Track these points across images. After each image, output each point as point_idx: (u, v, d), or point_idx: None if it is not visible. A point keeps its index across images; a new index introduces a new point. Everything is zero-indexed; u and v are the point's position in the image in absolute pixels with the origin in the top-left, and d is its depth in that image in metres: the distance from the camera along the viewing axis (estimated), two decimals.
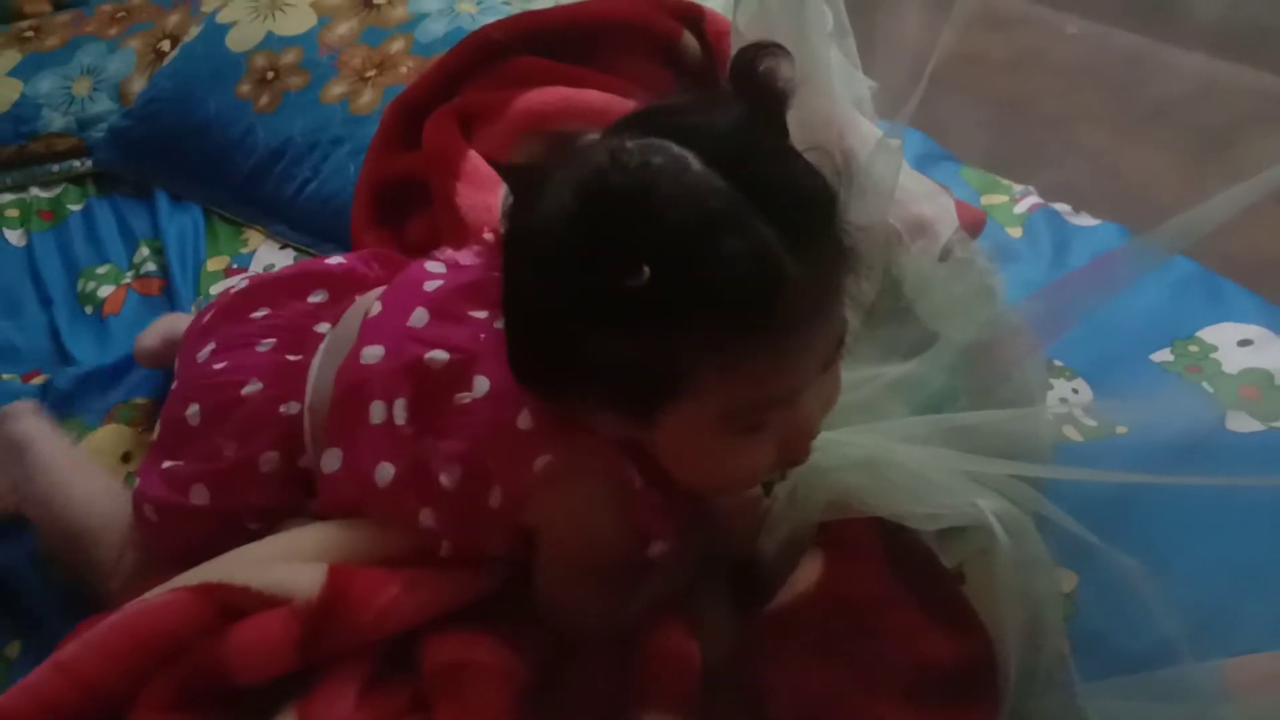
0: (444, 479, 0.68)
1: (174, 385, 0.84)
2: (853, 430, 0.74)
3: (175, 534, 0.78)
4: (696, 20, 1.20)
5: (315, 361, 0.79)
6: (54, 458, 0.88)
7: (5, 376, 1.08)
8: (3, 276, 1.22)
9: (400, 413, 0.70)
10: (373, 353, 0.72)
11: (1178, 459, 0.91)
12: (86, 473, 0.89)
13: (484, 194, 1.02)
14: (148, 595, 0.67)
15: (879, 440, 0.73)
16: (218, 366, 0.80)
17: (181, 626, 0.63)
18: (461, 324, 0.72)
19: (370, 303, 0.77)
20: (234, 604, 0.64)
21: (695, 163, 0.54)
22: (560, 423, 0.65)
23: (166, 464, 0.79)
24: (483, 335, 0.70)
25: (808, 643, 0.68)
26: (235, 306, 0.86)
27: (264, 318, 0.83)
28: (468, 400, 0.68)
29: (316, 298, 0.85)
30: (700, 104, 0.59)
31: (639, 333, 0.55)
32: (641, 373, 0.57)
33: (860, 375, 0.78)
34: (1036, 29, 1.77)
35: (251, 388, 0.78)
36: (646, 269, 0.52)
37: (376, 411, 0.71)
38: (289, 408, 0.77)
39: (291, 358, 0.79)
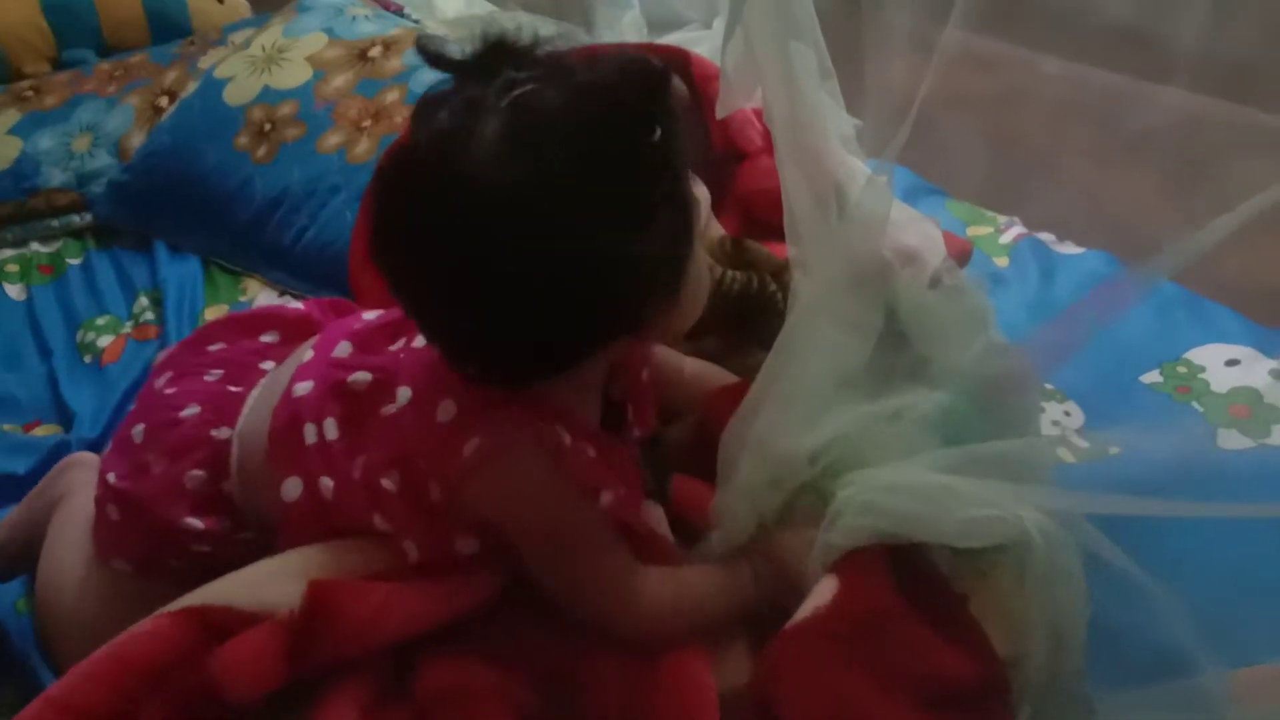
0: (385, 483, 0.70)
1: (132, 408, 0.88)
2: (888, 469, 0.74)
3: (135, 537, 0.80)
4: (684, 64, 1.22)
5: (253, 394, 0.82)
6: (71, 514, 0.89)
7: (7, 427, 1.09)
8: (3, 330, 1.24)
9: (331, 430, 0.74)
10: (303, 387, 0.76)
11: (1172, 479, 0.92)
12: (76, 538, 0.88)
13: None
14: (133, 628, 0.67)
15: (917, 470, 0.74)
16: (168, 392, 0.84)
17: (168, 649, 0.63)
18: (380, 354, 0.77)
19: (306, 349, 0.81)
20: (218, 624, 0.64)
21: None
22: (483, 406, 0.68)
23: (111, 479, 0.81)
24: (402, 355, 0.76)
25: (823, 657, 0.68)
26: (197, 339, 0.91)
27: (217, 351, 0.88)
28: (393, 410, 0.72)
29: (268, 338, 0.90)
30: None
31: (665, 210, 0.64)
32: (680, 234, 0.66)
33: (888, 406, 0.78)
34: (1018, 69, 1.80)
35: (189, 411, 0.81)
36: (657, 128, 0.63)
37: (309, 433, 0.74)
38: (220, 432, 0.80)
39: (233, 389, 0.83)
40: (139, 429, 0.82)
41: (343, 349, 0.78)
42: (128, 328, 1.22)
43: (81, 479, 0.91)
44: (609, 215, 0.61)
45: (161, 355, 0.93)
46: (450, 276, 0.62)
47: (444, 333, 0.67)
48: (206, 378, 0.84)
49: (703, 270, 0.73)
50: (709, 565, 0.75)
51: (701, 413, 0.85)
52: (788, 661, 0.67)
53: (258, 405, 0.81)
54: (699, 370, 0.91)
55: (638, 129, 0.62)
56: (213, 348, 0.88)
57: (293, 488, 0.74)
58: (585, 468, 0.70)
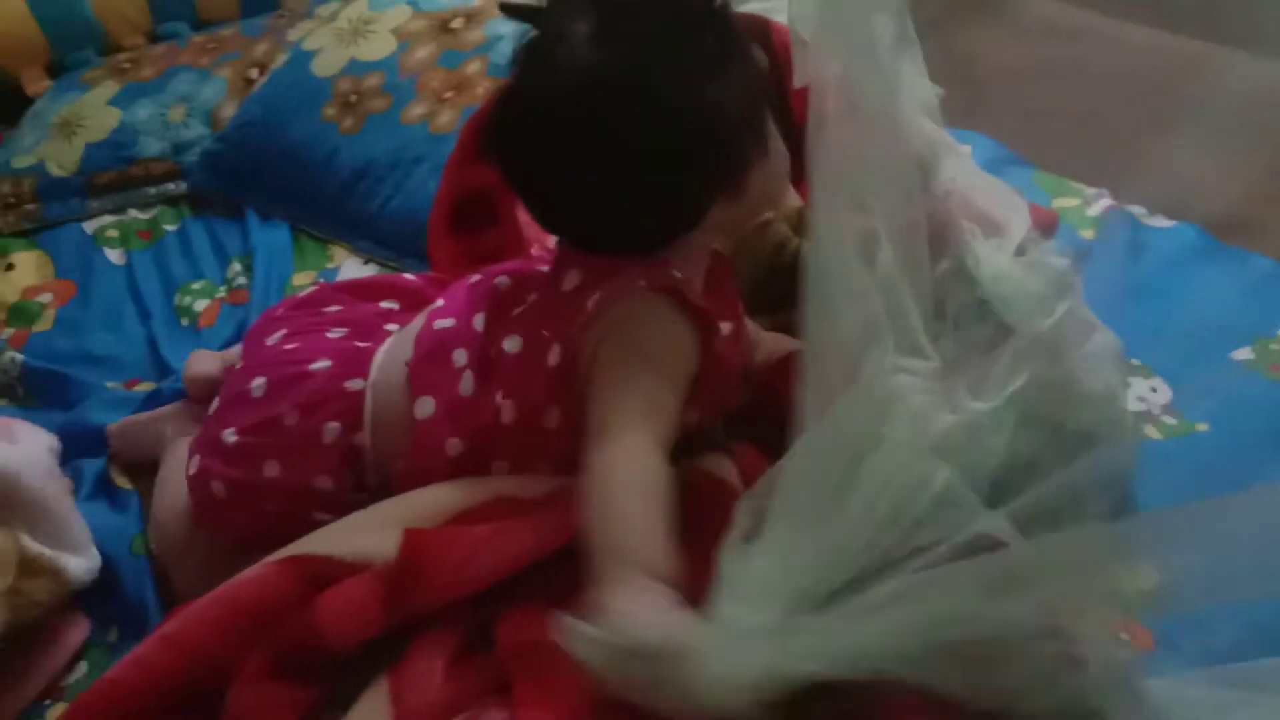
0: (507, 345, 0.77)
1: (238, 367, 0.89)
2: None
3: (244, 512, 0.82)
4: (764, 32, 1.22)
5: (382, 348, 0.84)
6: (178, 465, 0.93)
7: (110, 384, 1.14)
8: (105, 293, 1.29)
9: (479, 323, 0.80)
10: (444, 322, 0.82)
11: (1261, 456, 0.90)
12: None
13: None
14: (241, 574, 0.70)
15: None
16: (288, 347, 0.86)
17: (273, 596, 0.66)
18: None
19: (423, 316, 0.85)
20: (320, 574, 0.67)
21: None
22: (606, 272, 0.75)
23: (230, 437, 0.82)
24: (539, 266, 0.83)
25: None
26: (309, 301, 0.93)
27: (336, 313, 0.90)
28: (528, 300, 0.80)
29: (388, 304, 0.92)
30: None
31: (737, 66, 0.73)
32: (758, 88, 0.74)
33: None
34: (1102, 39, 1.76)
35: (320, 364, 0.83)
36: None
37: (459, 357, 0.78)
38: (353, 384, 0.82)
39: (360, 344, 0.85)
40: (258, 383, 0.83)
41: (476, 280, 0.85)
42: (222, 292, 1.26)
43: (179, 433, 0.95)
44: (692, 71, 0.70)
45: (260, 318, 0.95)
46: (569, 152, 0.71)
47: (567, 210, 0.76)
48: (330, 334, 0.86)
49: (781, 149, 0.79)
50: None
51: (765, 378, 0.86)
52: None
53: (389, 358, 0.83)
54: (774, 342, 0.91)
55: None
56: (330, 309, 0.90)
57: (426, 406, 0.78)
58: (702, 303, 0.75)
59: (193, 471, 0.85)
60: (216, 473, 0.83)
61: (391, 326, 0.88)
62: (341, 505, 0.79)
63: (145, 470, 0.99)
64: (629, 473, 0.68)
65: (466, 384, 0.78)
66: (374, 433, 0.81)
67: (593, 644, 0.57)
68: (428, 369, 0.79)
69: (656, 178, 0.71)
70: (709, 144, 0.71)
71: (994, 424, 0.73)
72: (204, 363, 1.02)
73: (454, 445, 0.78)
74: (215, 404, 0.87)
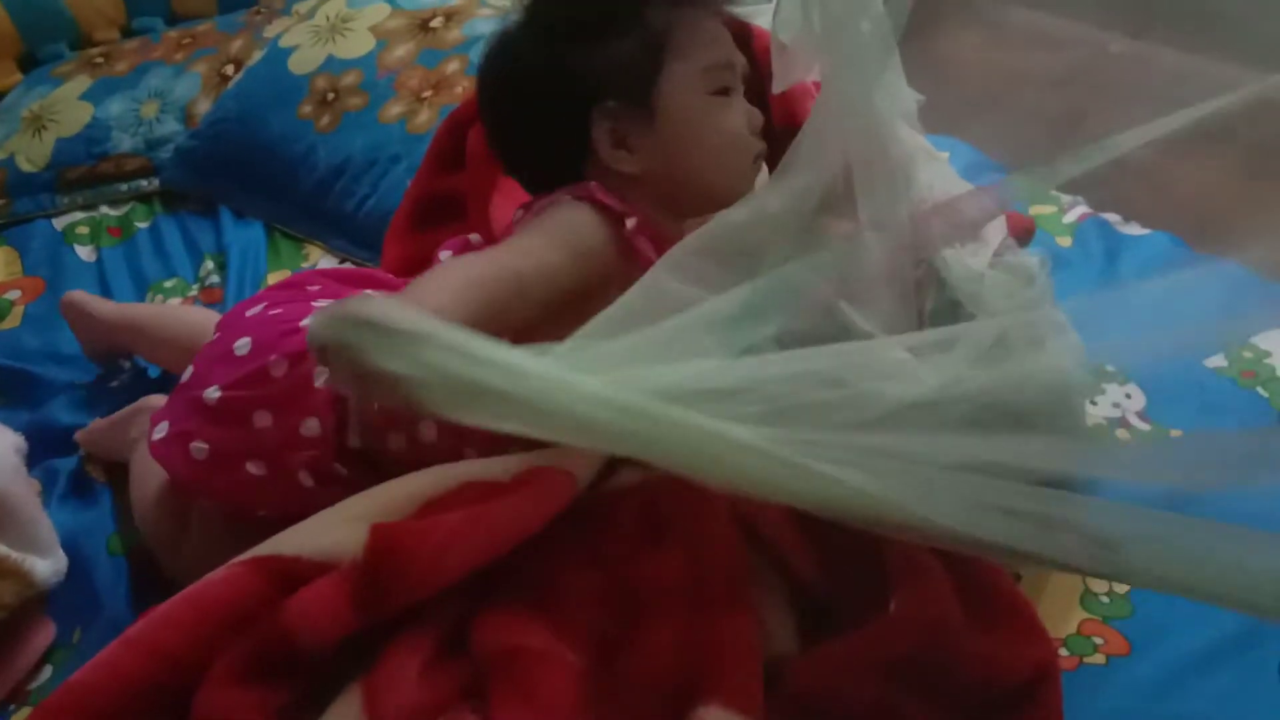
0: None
1: (214, 338, 0.88)
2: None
3: (226, 474, 0.81)
4: (745, 37, 1.22)
5: None
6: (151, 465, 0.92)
7: (78, 384, 1.12)
8: (74, 289, 1.26)
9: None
10: None
11: (1234, 462, 0.91)
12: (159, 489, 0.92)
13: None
14: (208, 575, 0.69)
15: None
16: (274, 313, 0.86)
17: (241, 597, 0.65)
18: None
19: None
20: (288, 574, 0.66)
21: None
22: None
23: (213, 394, 0.81)
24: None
25: (883, 668, 0.68)
26: (289, 283, 0.94)
27: (320, 290, 0.91)
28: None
29: (369, 290, 0.91)
30: None
31: (624, 16, 0.82)
32: (636, 54, 0.82)
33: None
34: (1083, 48, 1.77)
35: (309, 320, 0.81)
36: None
37: None
38: None
39: None
40: (242, 342, 0.83)
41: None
42: (194, 290, 1.25)
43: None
44: (554, 36, 0.84)
45: (234, 307, 0.93)
46: (500, 109, 0.89)
47: (505, 152, 0.91)
48: (315, 304, 0.87)
49: (703, 118, 0.84)
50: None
51: None
52: (832, 672, 0.68)
53: None
54: None
55: None
56: (312, 288, 0.91)
57: None
58: (616, 205, 0.81)
59: (162, 436, 0.83)
60: (196, 433, 0.82)
61: None
62: (325, 466, 0.79)
63: (117, 471, 0.98)
64: (456, 266, 0.76)
65: None
66: None
67: (329, 321, 0.57)
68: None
69: (534, 112, 0.85)
70: (558, 85, 0.83)
71: (947, 404, 0.72)
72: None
73: None
74: (187, 373, 0.86)
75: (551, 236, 0.79)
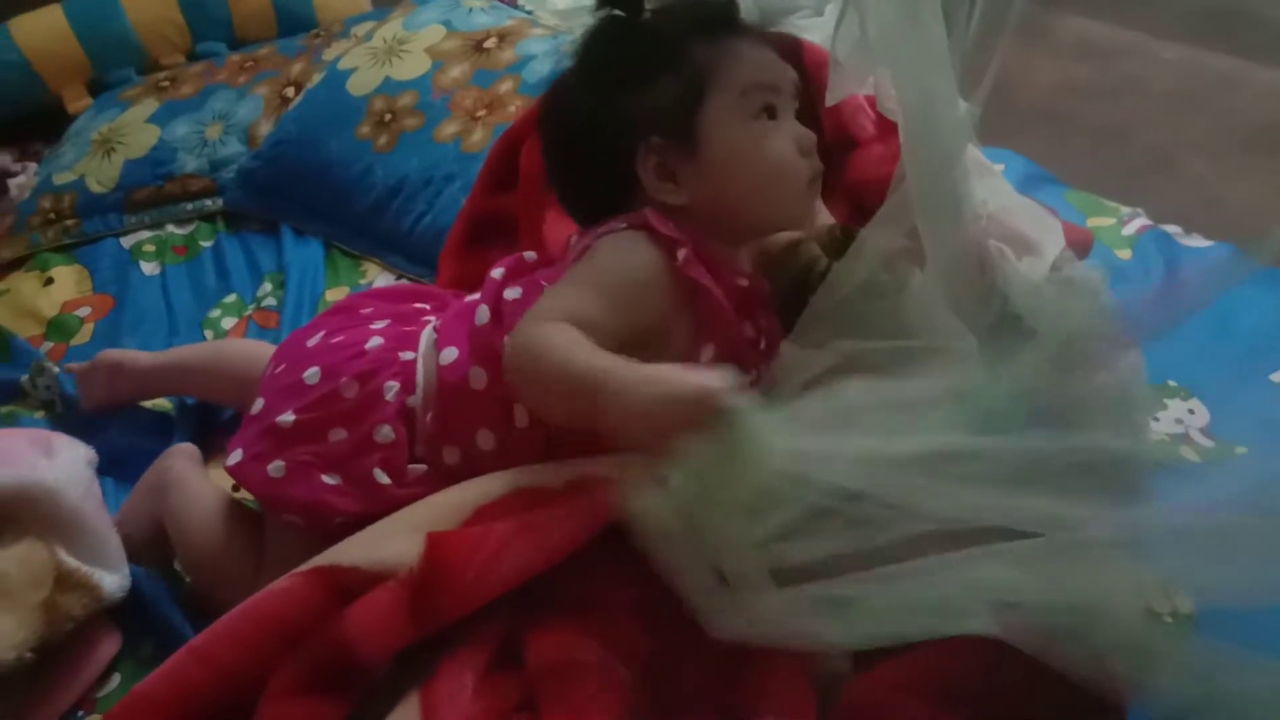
0: (507, 293, 0.85)
1: (277, 369, 0.89)
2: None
3: (304, 484, 0.82)
4: (795, 51, 1.22)
5: (427, 329, 0.88)
6: (198, 493, 0.94)
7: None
8: (137, 302, 1.31)
9: (498, 274, 0.89)
10: (474, 297, 0.89)
11: None
12: (219, 503, 0.93)
13: (570, 227, 1.06)
14: (267, 587, 0.70)
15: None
16: (337, 340, 0.88)
17: (299, 609, 0.66)
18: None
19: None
20: (346, 584, 0.67)
21: None
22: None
23: (288, 419, 0.83)
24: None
25: (939, 690, 0.68)
26: (342, 308, 0.96)
27: (373, 312, 0.93)
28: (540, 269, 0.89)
29: (421, 305, 0.95)
30: None
31: (664, 58, 0.83)
32: (677, 90, 0.83)
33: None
34: (1135, 56, 1.74)
35: (373, 342, 0.87)
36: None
37: (481, 314, 0.85)
38: (406, 355, 0.86)
39: (406, 329, 0.89)
40: (311, 371, 0.85)
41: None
42: (250, 310, 1.27)
43: (186, 470, 0.96)
44: (599, 83, 0.86)
45: (288, 337, 0.96)
46: (555, 152, 0.91)
47: (559, 188, 0.92)
48: (373, 326, 0.90)
49: (746, 146, 0.84)
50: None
51: None
52: (886, 692, 0.67)
53: (433, 335, 0.87)
54: None
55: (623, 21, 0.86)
56: (365, 310, 0.93)
57: (450, 354, 0.84)
58: (670, 233, 0.81)
59: (237, 461, 0.85)
60: (271, 454, 0.84)
61: (429, 319, 0.91)
62: (399, 466, 0.81)
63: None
64: (548, 334, 0.74)
65: (482, 315, 0.84)
66: (424, 396, 0.83)
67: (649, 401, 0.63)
68: (453, 323, 0.86)
69: (586, 154, 0.88)
70: (603, 129, 0.85)
71: (1005, 415, 0.71)
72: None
73: (478, 376, 0.81)
74: (257, 405, 0.88)
75: (607, 287, 0.80)
